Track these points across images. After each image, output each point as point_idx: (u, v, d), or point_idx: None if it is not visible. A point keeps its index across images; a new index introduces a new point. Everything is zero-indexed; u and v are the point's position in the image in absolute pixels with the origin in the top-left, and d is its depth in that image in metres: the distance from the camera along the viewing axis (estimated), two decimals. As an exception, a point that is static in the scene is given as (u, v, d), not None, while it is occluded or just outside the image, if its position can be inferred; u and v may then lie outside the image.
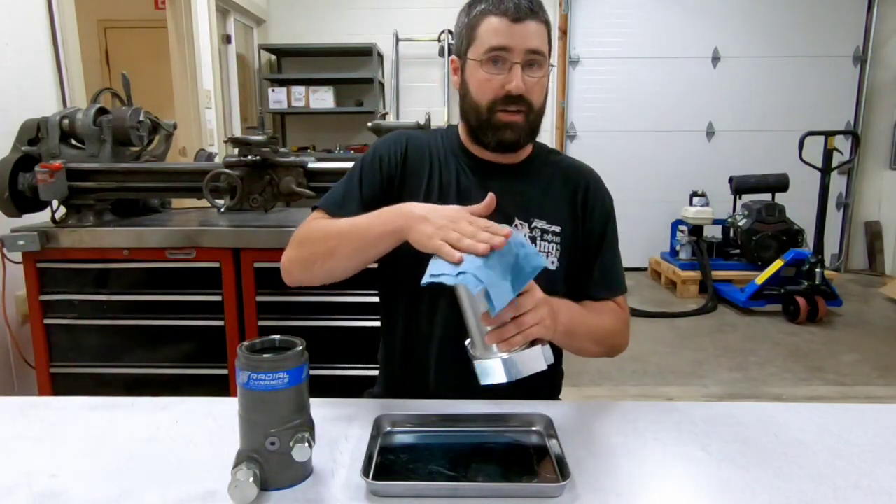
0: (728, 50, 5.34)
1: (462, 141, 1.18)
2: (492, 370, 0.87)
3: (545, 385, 1.21)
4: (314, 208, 1.15)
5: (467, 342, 0.93)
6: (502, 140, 1.09)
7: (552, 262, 1.12)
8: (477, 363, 0.88)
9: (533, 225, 1.12)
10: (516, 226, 1.11)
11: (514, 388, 1.05)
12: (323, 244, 1.04)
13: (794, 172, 4.55)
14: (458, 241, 0.86)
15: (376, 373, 1.25)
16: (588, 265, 1.16)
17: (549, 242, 1.13)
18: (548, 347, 0.89)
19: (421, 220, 0.92)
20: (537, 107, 1.09)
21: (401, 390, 1.14)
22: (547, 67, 1.08)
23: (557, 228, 1.14)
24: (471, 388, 1.03)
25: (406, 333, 1.15)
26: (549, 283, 1.09)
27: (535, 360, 0.88)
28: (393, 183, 1.14)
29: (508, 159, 1.15)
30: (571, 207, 1.16)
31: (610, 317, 1.13)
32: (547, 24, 1.08)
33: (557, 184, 1.17)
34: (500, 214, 1.04)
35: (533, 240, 1.11)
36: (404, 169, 1.15)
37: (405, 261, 1.04)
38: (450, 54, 4.33)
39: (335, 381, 1.92)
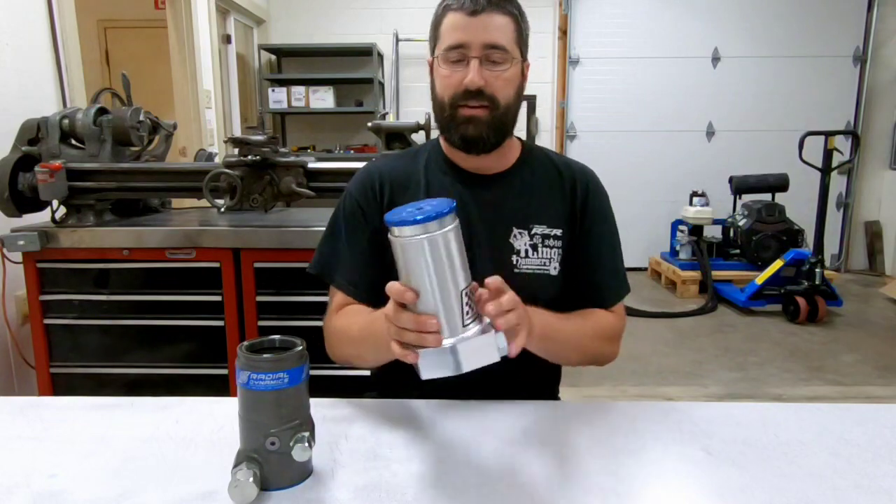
0: (728, 50, 5.34)
1: (446, 153, 1.14)
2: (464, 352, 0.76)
3: (546, 386, 1.21)
4: (319, 276, 1.13)
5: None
6: (465, 135, 1.04)
7: (554, 268, 1.09)
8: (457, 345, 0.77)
9: (533, 232, 1.08)
10: (515, 235, 1.08)
11: (514, 387, 1.05)
12: (349, 351, 1.06)
13: (794, 172, 4.55)
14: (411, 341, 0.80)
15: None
16: (588, 270, 1.11)
17: (551, 248, 1.09)
18: (501, 335, 0.79)
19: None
20: (504, 102, 1.04)
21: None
22: (514, 62, 1.04)
23: (559, 232, 1.10)
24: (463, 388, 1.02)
25: None
26: (551, 288, 1.08)
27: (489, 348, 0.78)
28: (378, 225, 1.08)
29: (496, 166, 1.12)
30: (570, 209, 1.11)
31: (594, 323, 1.08)
32: (514, 16, 1.04)
33: (553, 185, 1.12)
34: (499, 225, 1.06)
35: (534, 247, 1.08)
36: (390, 205, 1.09)
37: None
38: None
39: (335, 381, 1.92)
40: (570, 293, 1.11)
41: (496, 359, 0.78)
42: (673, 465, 0.86)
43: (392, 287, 0.79)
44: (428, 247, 0.75)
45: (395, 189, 1.12)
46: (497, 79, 1.02)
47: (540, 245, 1.08)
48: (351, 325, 1.04)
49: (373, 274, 1.07)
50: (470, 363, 0.77)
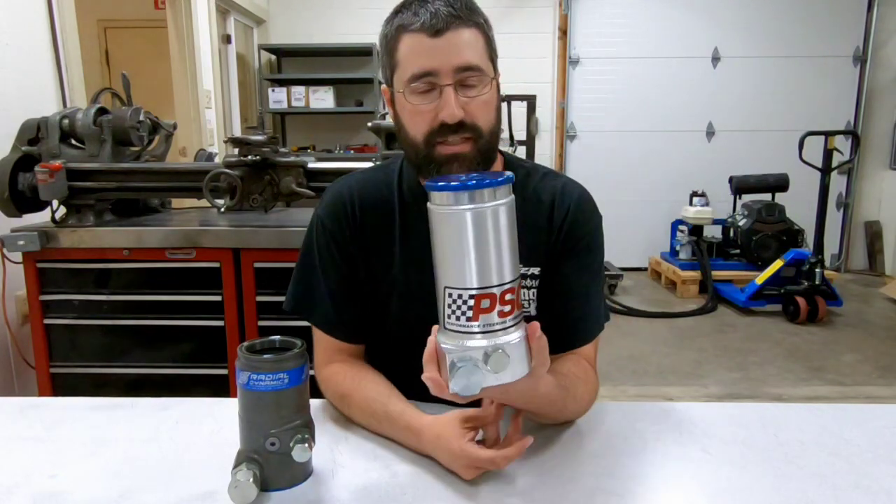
0: (728, 50, 5.33)
1: (417, 178, 0.99)
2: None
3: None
4: (294, 312, 1.02)
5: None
6: None
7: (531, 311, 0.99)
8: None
9: None
10: None
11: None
12: (360, 421, 0.94)
13: (794, 172, 4.55)
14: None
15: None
16: (560, 307, 0.97)
17: (529, 288, 0.97)
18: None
19: (440, 457, 0.82)
20: (487, 129, 0.89)
21: None
22: (490, 81, 0.89)
23: (536, 270, 0.97)
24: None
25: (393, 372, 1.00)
26: None
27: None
28: (355, 257, 0.99)
29: None
30: (549, 243, 0.98)
31: (581, 396, 0.93)
32: (480, 25, 0.89)
33: (532, 217, 0.97)
34: None
35: None
36: (363, 236, 0.99)
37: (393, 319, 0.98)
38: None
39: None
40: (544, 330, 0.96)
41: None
42: (673, 466, 0.86)
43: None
44: (459, 220, 0.66)
45: (368, 210, 1.00)
46: (476, 105, 0.88)
47: None
48: (363, 403, 0.94)
49: (352, 310, 1.00)
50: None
